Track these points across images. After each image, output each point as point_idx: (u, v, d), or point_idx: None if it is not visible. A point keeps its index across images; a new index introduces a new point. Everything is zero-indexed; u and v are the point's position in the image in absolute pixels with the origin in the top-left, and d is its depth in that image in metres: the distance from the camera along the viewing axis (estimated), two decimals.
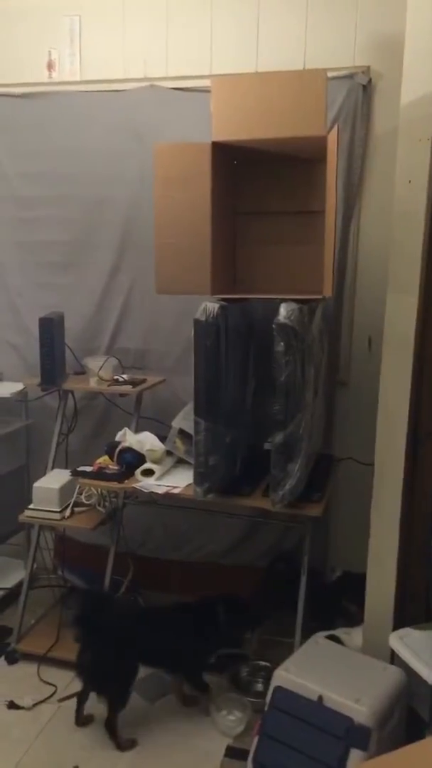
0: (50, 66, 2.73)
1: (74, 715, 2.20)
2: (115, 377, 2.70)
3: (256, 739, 1.89)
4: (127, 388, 2.64)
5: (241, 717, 2.22)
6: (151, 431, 2.53)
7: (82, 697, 2.20)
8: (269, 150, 2.26)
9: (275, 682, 1.90)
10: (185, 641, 2.23)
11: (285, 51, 2.53)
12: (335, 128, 1.97)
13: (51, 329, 2.64)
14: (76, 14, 2.67)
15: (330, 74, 2.10)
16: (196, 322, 2.02)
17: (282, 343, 1.96)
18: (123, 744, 2.11)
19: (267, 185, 2.46)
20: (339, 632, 2.27)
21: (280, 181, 2.44)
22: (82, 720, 2.20)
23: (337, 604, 2.50)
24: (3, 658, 2.53)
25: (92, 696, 2.18)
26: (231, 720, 2.21)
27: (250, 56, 2.57)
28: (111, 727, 2.12)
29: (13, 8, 2.76)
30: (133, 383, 2.67)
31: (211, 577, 2.83)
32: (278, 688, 1.88)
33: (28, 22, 2.75)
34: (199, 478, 2.14)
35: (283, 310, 1.96)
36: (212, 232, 2.19)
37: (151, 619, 2.34)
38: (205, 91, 2.41)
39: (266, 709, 1.90)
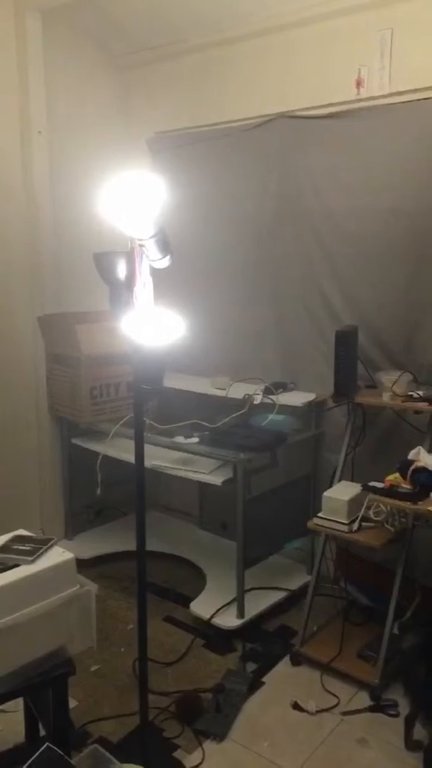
0: (359, 83, 2.76)
1: (403, 737, 2.17)
2: (409, 393, 2.63)
3: None
4: (424, 405, 2.54)
5: None
6: None
7: (411, 721, 2.17)
8: None
9: None
10: None
11: None
12: None
13: (346, 342, 2.67)
14: (388, 28, 2.66)
15: None
16: None
17: None
18: None
19: None
20: None
21: None
22: (412, 744, 2.15)
23: None
24: (288, 658, 2.63)
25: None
26: None
27: None
28: (429, 757, 2.04)
29: (324, 32, 2.86)
30: (430, 400, 2.56)
31: None
32: None
33: (338, 43, 2.82)
34: None
35: None
36: None
37: None
38: None
39: None
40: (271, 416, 2.96)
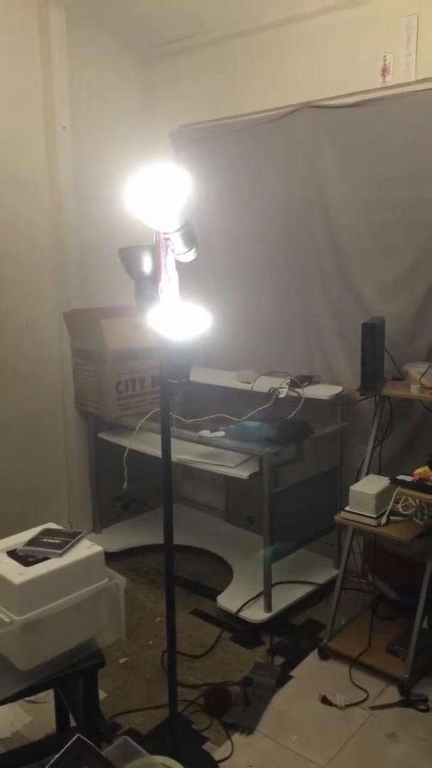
0: (384, 71, 2.72)
1: None
2: None
3: None
4: None
5: None
6: None
7: None
8: None
9: None
10: None
11: None
12: None
13: (373, 334, 2.64)
14: (414, 14, 2.61)
15: None
16: None
17: None
18: None
19: None
20: None
21: None
22: None
23: None
24: (316, 652, 2.62)
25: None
26: None
27: None
28: None
29: (348, 19, 2.81)
30: None
31: None
32: None
33: (363, 30, 2.78)
34: None
35: None
36: None
37: None
38: None
39: None
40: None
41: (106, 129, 3.52)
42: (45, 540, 1.74)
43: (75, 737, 1.57)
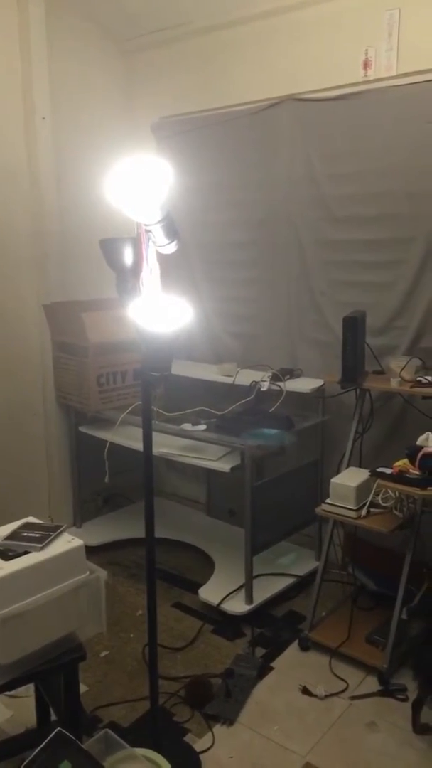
0: (366, 64, 2.73)
1: (411, 721, 2.17)
2: (418, 378, 2.61)
3: None
4: None
5: None
6: None
7: (419, 704, 2.17)
8: None
9: None
10: None
11: None
12: None
13: (355, 327, 2.66)
14: (396, 8, 2.62)
15: None
16: None
17: None
18: None
19: None
20: None
21: None
22: (420, 728, 2.16)
23: None
24: (296, 643, 2.64)
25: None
26: None
27: None
28: None
29: (330, 12, 2.82)
30: None
31: None
32: None
33: (345, 23, 2.78)
34: None
35: None
36: None
37: None
38: None
39: None
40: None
41: (86, 120, 3.49)
42: (25, 534, 1.72)
43: (56, 731, 1.57)
